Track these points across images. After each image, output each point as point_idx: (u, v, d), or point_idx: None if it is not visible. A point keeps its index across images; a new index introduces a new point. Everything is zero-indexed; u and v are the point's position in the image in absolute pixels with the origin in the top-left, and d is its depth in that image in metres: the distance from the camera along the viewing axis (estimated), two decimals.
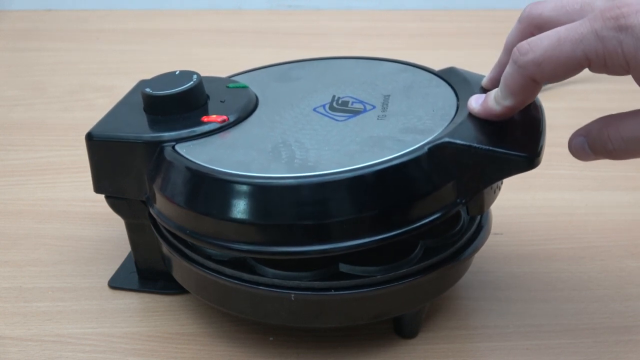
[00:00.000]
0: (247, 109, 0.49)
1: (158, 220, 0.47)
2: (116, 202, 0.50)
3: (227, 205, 0.42)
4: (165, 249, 0.48)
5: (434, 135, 0.43)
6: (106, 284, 0.54)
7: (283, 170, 0.42)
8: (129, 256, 0.56)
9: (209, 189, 0.43)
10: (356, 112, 0.48)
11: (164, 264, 0.50)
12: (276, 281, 0.44)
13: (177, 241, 0.47)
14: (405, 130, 0.45)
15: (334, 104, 0.49)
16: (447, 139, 0.42)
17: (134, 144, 0.47)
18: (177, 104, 0.48)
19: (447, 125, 0.44)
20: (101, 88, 0.84)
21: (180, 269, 0.48)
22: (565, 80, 0.85)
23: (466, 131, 0.43)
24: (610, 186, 0.66)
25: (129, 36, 1.02)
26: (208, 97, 0.50)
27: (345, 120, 0.47)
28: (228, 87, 0.52)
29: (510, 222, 0.60)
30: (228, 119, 0.48)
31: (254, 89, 0.52)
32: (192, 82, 0.49)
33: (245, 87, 0.51)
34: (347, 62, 0.55)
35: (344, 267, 0.45)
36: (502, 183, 0.47)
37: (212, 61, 0.90)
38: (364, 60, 0.55)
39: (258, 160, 0.44)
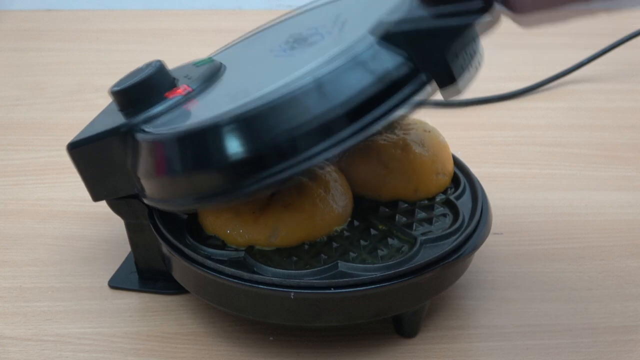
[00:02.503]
0: (211, 76, 0.49)
1: (152, 204, 0.47)
2: (115, 202, 0.51)
3: (198, 156, 0.42)
4: (164, 248, 0.48)
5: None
6: (106, 284, 0.54)
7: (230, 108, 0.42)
8: (129, 256, 0.56)
9: (174, 151, 0.43)
10: (313, 43, 0.47)
11: (164, 263, 0.50)
12: (275, 280, 0.44)
13: (177, 241, 0.47)
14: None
15: (293, 43, 0.49)
16: (386, 19, 0.42)
17: (109, 139, 0.47)
18: (142, 92, 0.48)
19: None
20: (101, 88, 0.84)
21: (180, 269, 0.48)
22: (565, 80, 0.85)
23: (407, 8, 0.42)
24: (610, 186, 0.66)
25: (129, 36, 1.02)
26: (176, 80, 0.50)
27: (300, 52, 0.46)
28: (195, 65, 0.52)
29: (510, 222, 0.60)
30: (191, 88, 0.48)
31: (225, 60, 0.52)
32: (152, 69, 0.49)
33: (210, 61, 0.52)
34: (313, 11, 0.55)
35: (343, 266, 0.45)
36: (480, 62, 0.45)
37: None
38: (328, 3, 0.55)
39: (213, 112, 0.43)
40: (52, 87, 0.86)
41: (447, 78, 0.42)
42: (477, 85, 0.85)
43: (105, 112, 0.52)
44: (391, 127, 0.54)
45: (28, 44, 1.00)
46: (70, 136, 0.51)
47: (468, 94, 0.81)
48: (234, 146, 0.41)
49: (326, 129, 0.40)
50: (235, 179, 0.42)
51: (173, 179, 0.44)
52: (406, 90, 0.41)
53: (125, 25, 1.06)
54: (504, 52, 0.96)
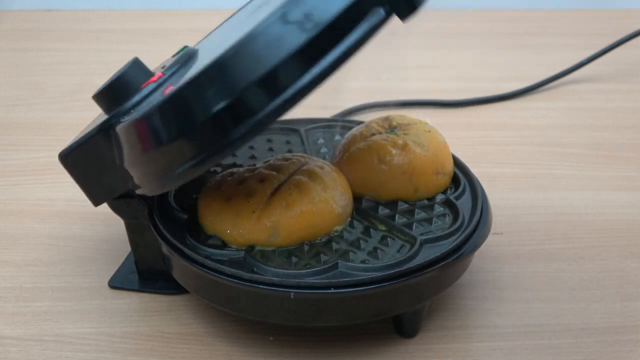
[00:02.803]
0: (185, 61, 0.49)
1: (146, 192, 0.46)
2: (115, 202, 0.51)
3: (175, 121, 0.42)
4: (164, 248, 0.48)
5: None
6: (106, 284, 0.54)
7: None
8: (129, 256, 0.56)
9: (152, 124, 0.43)
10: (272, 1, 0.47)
11: (164, 263, 0.50)
12: (275, 280, 0.44)
13: (177, 241, 0.47)
14: None
15: (258, 9, 0.48)
16: None
17: (94, 139, 0.48)
18: (118, 89, 0.48)
19: None
20: None
21: (180, 269, 0.48)
22: (565, 80, 0.85)
23: None
24: (610, 186, 0.66)
25: (129, 36, 1.02)
26: (153, 73, 0.50)
27: (261, 12, 0.46)
28: (173, 56, 0.52)
29: (510, 222, 0.60)
30: (163, 74, 0.48)
31: (202, 45, 0.52)
32: (125, 66, 0.49)
33: (185, 48, 0.52)
34: None
35: (343, 266, 0.45)
36: None
37: None
38: None
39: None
40: (52, 87, 0.86)
41: (408, 7, 0.41)
42: (477, 85, 0.85)
43: (93, 120, 0.52)
44: (391, 127, 0.54)
45: (28, 44, 1.00)
46: (71, 136, 0.51)
47: (468, 94, 0.81)
48: (207, 99, 0.40)
49: (290, 69, 0.40)
50: (217, 132, 0.41)
51: (157, 151, 0.43)
52: (363, 26, 0.41)
53: (125, 25, 1.06)
54: (504, 52, 0.96)
